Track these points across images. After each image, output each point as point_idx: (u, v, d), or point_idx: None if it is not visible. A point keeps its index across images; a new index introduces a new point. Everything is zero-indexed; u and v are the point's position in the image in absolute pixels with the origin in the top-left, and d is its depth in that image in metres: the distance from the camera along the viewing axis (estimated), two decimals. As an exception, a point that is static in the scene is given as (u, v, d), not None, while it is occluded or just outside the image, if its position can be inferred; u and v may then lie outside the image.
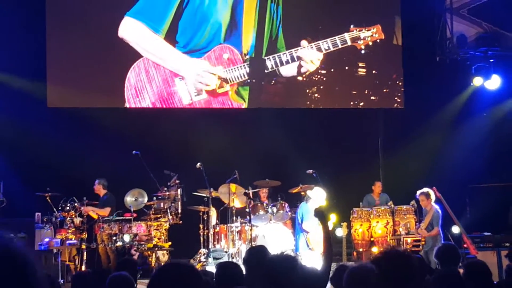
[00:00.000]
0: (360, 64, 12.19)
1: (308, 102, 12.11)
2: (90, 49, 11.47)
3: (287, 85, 11.99)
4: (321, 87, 12.08)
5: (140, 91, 11.44)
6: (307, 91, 12.07)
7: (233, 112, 11.82)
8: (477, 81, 12.39)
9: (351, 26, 11.40)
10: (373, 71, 12.26)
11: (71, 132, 11.44)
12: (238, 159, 11.17)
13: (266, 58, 11.56)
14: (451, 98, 12.54)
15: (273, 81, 11.90)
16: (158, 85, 11.49)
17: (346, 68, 12.19)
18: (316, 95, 12.08)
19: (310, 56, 11.46)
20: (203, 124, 11.70)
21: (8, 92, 11.25)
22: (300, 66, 11.54)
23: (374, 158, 12.59)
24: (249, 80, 11.68)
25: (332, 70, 12.08)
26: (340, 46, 11.44)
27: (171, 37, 11.47)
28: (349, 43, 11.44)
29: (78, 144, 11.41)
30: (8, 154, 11.32)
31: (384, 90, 12.31)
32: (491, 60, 12.40)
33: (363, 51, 11.65)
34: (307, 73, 11.70)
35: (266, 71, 11.58)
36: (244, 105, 11.74)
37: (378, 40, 11.47)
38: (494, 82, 12.34)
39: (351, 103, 12.24)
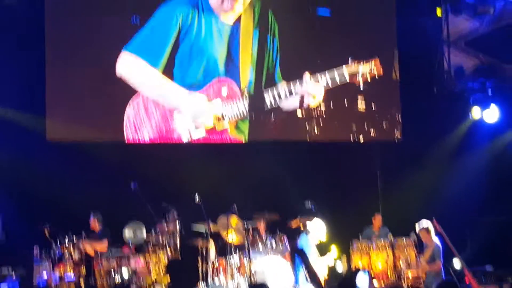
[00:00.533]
0: (360, 99, 12.21)
1: (307, 137, 12.17)
2: (90, 84, 11.49)
3: (286, 120, 12.00)
4: (321, 122, 12.09)
5: (139, 128, 11.48)
6: (307, 126, 12.09)
7: (231, 145, 11.81)
8: (476, 112, 12.43)
9: (350, 59, 11.39)
10: (373, 106, 12.27)
11: (69, 166, 11.41)
12: (237, 192, 11.16)
13: (265, 92, 11.54)
14: (449, 130, 12.58)
15: (272, 117, 11.90)
16: (157, 121, 11.51)
17: (346, 103, 12.19)
18: (315, 130, 12.09)
19: (313, 90, 11.45)
20: (202, 157, 11.70)
21: (7, 125, 11.24)
22: (301, 101, 11.52)
23: (373, 191, 12.60)
24: (248, 116, 11.63)
25: (331, 105, 12.08)
26: (339, 83, 11.42)
27: (169, 71, 11.52)
28: (347, 80, 11.41)
29: (76, 178, 11.38)
30: (7, 187, 11.29)
31: (384, 125, 12.34)
32: (489, 92, 12.45)
33: (362, 87, 11.61)
34: (308, 107, 11.67)
35: (265, 106, 11.55)
36: (244, 140, 11.73)
37: (376, 77, 11.43)
38: (492, 114, 12.39)
39: (351, 138, 12.27)
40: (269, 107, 11.69)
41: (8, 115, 11.26)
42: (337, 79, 11.42)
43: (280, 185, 11.75)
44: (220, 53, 11.65)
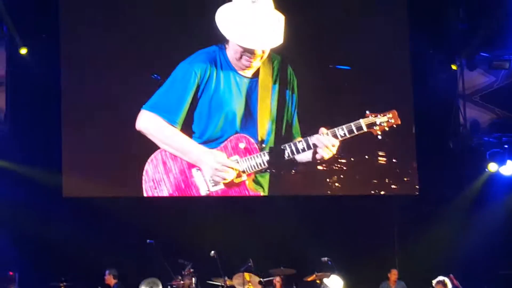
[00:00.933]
0: (380, 153, 12.23)
1: (328, 192, 12.13)
2: (107, 140, 11.59)
3: (306, 174, 11.98)
4: (342, 176, 12.10)
5: (158, 183, 11.50)
6: (328, 180, 12.09)
7: (247, 199, 11.80)
8: (492, 167, 12.40)
9: (367, 112, 11.45)
10: (393, 160, 12.30)
11: (85, 221, 11.51)
12: (253, 246, 11.18)
13: (283, 147, 11.56)
14: (466, 184, 12.53)
15: (293, 171, 11.91)
16: (176, 176, 11.54)
17: (366, 157, 12.23)
18: (336, 184, 12.09)
19: (325, 142, 11.47)
20: (218, 212, 11.72)
21: (23, 182, 11.33)
22: (315, 152, 11.54)
23: (389, 245, 12.52)
24: (268, 170, 11.67)
25: (352, 159, 12.12)
26: (356, 133, 11.46)
27: (187, 127, 11.56)
28: (365, 129, 11.45)
29: (92, 233, 11.45)
30: (23, 243, 11.37)
31: (405, 179, 12.33)
32: (506, 146, 12.43)
33: (380, 138, 11.59)
34: (322, 160, 11.67)
35: (284, 160, 11.56)
36: (262, 193, 11.72)
37: (394, 126, 11.46)
38: (509, 168, 12.35)
39: (372, 191, 12.26)
40: (286, 159, 11.67)
41: (24, 172, 11.37)
42: (354, 129, 11.43)
43: (297, 239, 11.74)
44: (238, 107, 11.72)
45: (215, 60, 11.69)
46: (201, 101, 11.64)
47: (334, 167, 12.11)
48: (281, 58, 11.93)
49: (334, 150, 11.64)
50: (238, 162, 11.53)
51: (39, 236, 11.38)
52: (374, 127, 11.47)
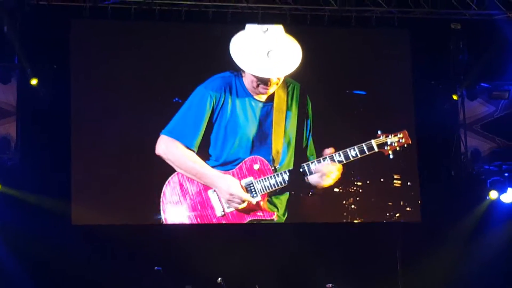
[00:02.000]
0: (395, 176, 12.46)
1: (345, 213, 12.34)
2: (118, 167, 11.81)
3: (323, 196, 12.21)
4: (358, 198, 12.31)
5: (175, 204, 11.72)
6: (344, 202, 12.31)
7: (254, 225, 11.94)
8: (493, 194, 12.60)
9: (378, 133, 11.71)
10: (408, 183, 12.53)
11: (93, 248, 11.62)
12: (257, 273, 11.33)
13: (301, 168, 11.74)
14: (468, 211, 12.70)
15: (310, 193, 12.11)
16: (192, 198, 11.76)
17: (382, 179, 12.45)
18: (352, 206, 12.29)
19: (324, 170, 11.70)
20: (224, 238, 11.89)
21: (31, 210, 11.49)
22: (322, 176, 11.77)
23: (392, 271, 12.62)
24: (288, 191, 11.92)
25: (367, 181, 12.35)
26: (367, 153, 11.71)
27: (204, 151, 11.81)
28: (376, 149, 11.72)
29: (100, 260, 11.57)
30: (32, 272, 11.48)
31: (419, 201, 12.55)
32: (506, 174, 12.63)
33: (392, 157, 11.79)
34: (327, 185, 11.87)
35: (303, 181, 11.80)
36: (277, 213, 11.88)
37: (405, 145, 11.73)
38: (509, 196, 12.56)
39: (387, 214, 12.46)
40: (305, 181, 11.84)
41: (33, 200, 11.52)
42: (366, 150, 11.68)
43: (303, 265, 11.90)
44: (253, 131, 11.94)
45: (230, 84, 11.92)
46: (216, 124, 11.87)
47: (350, 190, 12.32)
48: (295, 82, 12.15)
49: (333, 177, 11.84)
50: (252, 183, 11.75)
51: (48, 264, 11.52)
52: (385, 147, 11.74)
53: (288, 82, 12.08)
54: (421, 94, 12.74)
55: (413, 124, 12.60)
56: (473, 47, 12.74)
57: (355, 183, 12.36)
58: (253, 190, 11.75)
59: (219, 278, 10.51)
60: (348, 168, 12.15)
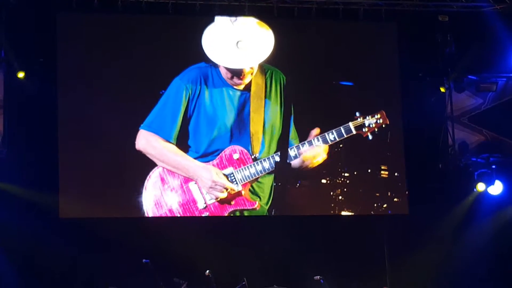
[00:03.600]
0: (383, 167, 12.49)
1: (332, 205, 12.35)
2: (104, 160, 11.79)
3: (311, 187, 12.24)
4: (345, 189, 12.33)
5: (158, 199, 11.68)
6: (331, 193, 12.32)
7: (240, 218, 11.96)
8: (481, 187, 12.65)
9: (356, 114, 11.72)
10: (396, 174, 12.55)
11: (80, 242, 11.62)
12: (246, 265, 11.36)
13: (275, 154, 11.73)
14: (455, 204, 12.75)
15: (297, 184, 12.12)
16: (174, 191, 11.73)
17: (369, 170, 12.48)
18: (340, 197, 12.31)
19: (311, 152, 11.71)
20: (213, 230, 11.89)
21: (19, 204, 11.50)
22: (307, 160, 11.78)
23: (380, 263, 12.67)
24: (274, 183, 11.91)
25: (355, 172, 12.38)
26: (345, 136, 11.72)
27: (183, 142, 11.79)
28: (354, 131, 11.72)
29: (87, 254, 11.59)
30: (19, 265, 11.49)
31: (406, 192, 12.58)
32: (493, 167, 12.68)
33: (371, 138, 11.78)
34: (309, 166, 11.85)
35: (290, 169, 11.78)
36: (258, 202, 11.87)
37: (383, 126, 11.75)
38: (496, 188, 12.61)
39: (375, 205, 12.46)
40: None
41: (21, 193, 11.51)
42: (344, 133, 11.69)
43: (290, 258, 11.93)
44: (231, 120, 11.91)
45: (206, 75, 11.88)
46: (194, 116, 11.85)
47: (338, 181, 12.34)
48: (274, 69, 12.11)
49: (320, 159, 11.85)
50: (232, 173, 11.74)
51: (35, 258, 11.52)
52: (363, 129, 11.75)
53: (266, 68, 12.05)
54: (409, 87, 12.77)
55: (401, 117, 12.63)
56: (461, 40, 12.75)
57: (343, 174, 12.37)
58: (233, 180, 11.74)
59: (207, 271, 10.54)
60: (335, 159, 12.23)
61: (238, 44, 11.75)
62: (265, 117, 12.03)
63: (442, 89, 12.90)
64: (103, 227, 11.58)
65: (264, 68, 12.03)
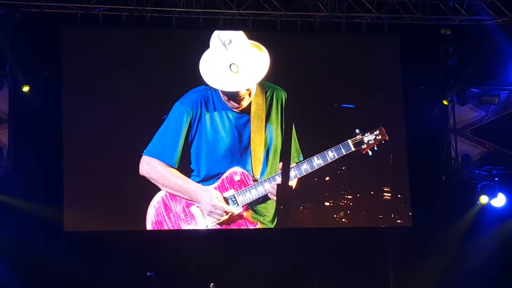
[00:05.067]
0: (385, 189, 12.53)
1: (345, 220, 12.42)
2: (109, 174, 11.86)
3: (314, 210, 12.30)
4: (348, 212, 12.36)
5: (160, 224, 11.74)
6: (335, 216, 12.37)
7: (245, 232, 11.99)
8: (484, 199, 12.68)
9: (356, 131, 11.74)
10: (399, 196, 12.60)
11: (85, 255, 11.66)
12: (250, 279, 11.39)
13: (276, 175, 11.73)
14: (458, 216, 12.78)
15: (300, 207, 12.15)
16: (176, 216, 11.78)
17: (372, 192, 12.51)
18: (343, 219, 12.35)
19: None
20: (217, 245, 11.95)
21: (24, 217, 11.53)
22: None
23: (384, 276, 12.63)
24: (276, 207, 11.86)
25: (358, 195, 12.40)
26: (344, 153, 11.71)
27: (186, 166, 11.82)
28: (352, 148, 11.72)
29: (92, 266, 11.64)
30: (25, 279, 11.52)
31: (410, 214, 12.61)
32: (496, 179, 12.72)
33: (371, 154, 11.78)
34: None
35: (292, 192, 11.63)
36: (260, 224, 11.92)
37: (383, 142, 11.74)
38: (499, 200, 12.66)
39: (390, 219, 12.56)
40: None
41: (26, 207, 11.55)
42: (343, 151, 11.71)
43: (294, 271, 11.99)
44: (232, 142, 11.93)
45: (206, 98, 11.90)
46: (196, 140, 11.87)
47: (341, 203, 12.36)
48: (275, 87, 12.11)
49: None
50: (234, 196, 11.76)
51: (40, 270, 11.55)
52: (362, 146, 11.74)
53: (266, 87, 12.06)
54: (411, 100, 12.83)
55: (404, 130, 12.68)
56: (463, 53, 12.82)
57: (346, 196, 12.38)
58: (235, 202, 11.78)
59: (212, 284, 10.56)
60: (338, 181, 12.32)
61: (231, 67, 11.73)
62: (266, 137, 12.04)
63: (445, 102, 12.95)
64: (108, 241, 11.62)
65: (264, 86, 12.03)
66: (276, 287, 11.73)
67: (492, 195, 12.65)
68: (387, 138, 11.79)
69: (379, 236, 12.55)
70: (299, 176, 11.78)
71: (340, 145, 11.75)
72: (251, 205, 11.86)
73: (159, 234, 11.86)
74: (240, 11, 12.10)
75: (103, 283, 11.58)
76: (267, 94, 12.05)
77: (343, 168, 12.20)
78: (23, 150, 11.74)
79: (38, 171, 11.70)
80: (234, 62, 11.70)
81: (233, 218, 11.79)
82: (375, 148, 11.77)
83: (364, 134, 11.74)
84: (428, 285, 12.29)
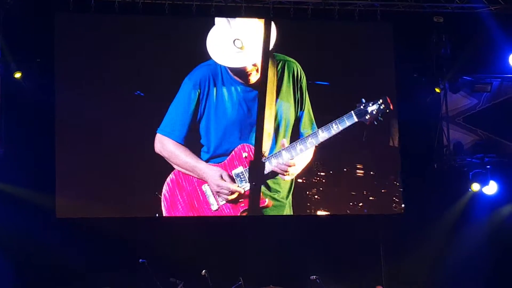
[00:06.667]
0: (358, 166, 12.51)
1: (308, 204, 12.35)
2: (101, 160, 11.85)
3: (329, 191, 12.40)
4: (321, 188, 12.35)
5: (173, 203, 11.83)
6: (308, 192, 12.33)
7: (235, 219, 12.01)
8: (475, 187, 12.72)
9: (362, 100, 11.85)
10: (371, 172, 12.56)
11: (77, 241, 11.64)
12: (243, 265, 11.42)
13: (283, 150, 11.83)
14: (450, 203, 12.81)
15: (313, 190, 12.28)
16: (189, 194, 11.88)
17: (345, 169, 12.49)
18: (316, 196, 12.33)
19: (278, 169, 11.83)
20: (208, 231, 11.95)
21: (16, 204, 11.51)
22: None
23: (376, 263, 12.71)
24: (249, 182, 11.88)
25: (331, 172, 12.38)
26: (348, 124, 11.77)
27: (196, 143, 11.92)
28: (355, 119, 11.78)
29: (84, 253, 11.62)
30: (17, 266, 11.53)
31: (382, 191, 12.58)
32: (488, 167, 12.76)
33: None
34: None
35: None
36: (269, 200, 11.97)
37: (387, 111, 11.79)
38: (491, 188, 12.69)
39: (350, 203, 12.48)
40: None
41: (18, 193, 11.54)
42: (347, 122, 11.77)
43: (286, 258, 12.01)
44: (241, 118, 12.00)
45: (215, 72, 11.97)
46: (205, 115, 11.94)
47: (314, 180, 12.37)
48: (287, 59, 12.21)
49: (295, 171, 11.95)
50: (242, 172, 11.81)
51: (32, 257, 11.54)
52: (366, 116, 11.76)
53: (278, 59, 12.12)
54: (404, 87, 12.82)
55: (396, 117, 12.68)
56: (456, 41, 12.82)
57: (318, 173, 12.34)
58: (243, 179, 11.82)
59: (204, 271, 10.57)
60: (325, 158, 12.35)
61: (235, 42, 11.81)
62: (277, 112, 12.07)
63: (437, 90, 12.95)
64: (100, 227, 11.62)
65: (276, 59, 12.09)
66: (268, 273, 11.72)
67: (484, 182, 12.69)
68: (391, 107, 11.79)
69: (371, 224, 12.59)
70: (304, 151, 11.83)
71: (344, 116, 11.77)
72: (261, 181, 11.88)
73: (151, 220, 11.87)
74: (233, -2, 12.10)
75: (96, 270, 11.55)
76: (279, 67, 12.12)
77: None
78: (15, 137, 11.71)
79: (29, 158, 11.68)
80: (238, 37, 11.78)
81: (241, 196, 11.84)
82: (380, 118, 11.74)
83: (368, 105, 11.72)
84: (420, 272, 12.33)
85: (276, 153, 11.87)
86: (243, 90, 11.95)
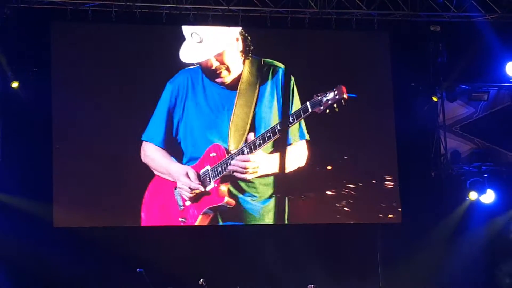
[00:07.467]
0: (387, 178, 12.55)
1: (338, 216, 12.39)
2: (98, 170, 11.84)
3: (316, 200, 12.32)
4: (350, 200, 12.38)
5: (150, 207, 11.87)
6: (337, 205, 12.37)
7: (234, 227, 12.00)
8: (473, 195, 12.72)
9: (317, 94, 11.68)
10: (388, 191, 12.62)
11: (74, 251, 11.64)
12: (240, 274, 11.41)
13: (244, 147, 11.89)
14: (447, 212, 12.82)
15: (303, 197, 12.16)
16: (165, 198, 11.95)
17: (374, 181, 12.53)
18: (345, 208, 12.36)
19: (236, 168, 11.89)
20: (206, 240, 11.98)
21: (13, 213, 11.49)
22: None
23: (373, 272, 12.71)
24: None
25: (360, 184, 12.45)
26: (303, 115, 11.75)
27: (176, 147, 12.00)
28: (310, 110, 11.68)
29: (82, 263, 11.60)
30: (14, 275, 11.50)
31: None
32: (485, 175, 12.77)
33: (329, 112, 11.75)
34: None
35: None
36: (227, 200, 11.93)
37: (343, 102, 11.46)
38: (489, 197, 12.70)
39: (380, 215, 12.54)
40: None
41: (15, 202, 11.53)
42: (301, 113, 11.75)
43: (284, 267, 11.97)
44: (218, 119, 12.07)
45: (196, 76, 12.07)
46: (184, 118, 12.01)
47: (343, 192, 12.38)
48: (277, 64, 12.30)
49: (252, 169, 11.94)
50: (207, 171, 11.84)
51: (29, 266, 11.52)
52: (320, 106, 11.57)
53: (264, 64, 12.22)
54: (401, 96, 12.85)
55: (393, 126, 12.71)
56: (453, 49, 12.87)
57: (347, 185, 12.39)
58: (207, 178, 11.85)
59: (201, 279, 10.55)
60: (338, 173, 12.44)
61: (193, 35, 11.93)
62: (255, 113, 12.10)
63: (434, 98, 12.98)
64: (97, 237, 11.62)
65: (262, 63, 12.19)
66: (265, 281, 11.72)
67: (481, 191, 12.70)
68: (346, 97, 11.45)
69: (369, 232, 12.59)
70: (263, 145, 11.85)
71: (300, 108, 11.81)
72: (226, 180, 11.91)
73: (148, 230, 11.89)
74: (230, 7, 12.08)
75: (92, 279, 11.54)
76: (263, 70, 12.21)
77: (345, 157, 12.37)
78: (12, 146, 11.71)
79: (27, 167, 11.67)
80: (196, 31, 11.94)
81: (203, 195, 11.87)
82: (335, 107, 11.49)
83: (323, 95, 11.62)
84: (417, 281, 12.30)
85: (238, 150, 11.89)
86: (221, 93, 12.04)
